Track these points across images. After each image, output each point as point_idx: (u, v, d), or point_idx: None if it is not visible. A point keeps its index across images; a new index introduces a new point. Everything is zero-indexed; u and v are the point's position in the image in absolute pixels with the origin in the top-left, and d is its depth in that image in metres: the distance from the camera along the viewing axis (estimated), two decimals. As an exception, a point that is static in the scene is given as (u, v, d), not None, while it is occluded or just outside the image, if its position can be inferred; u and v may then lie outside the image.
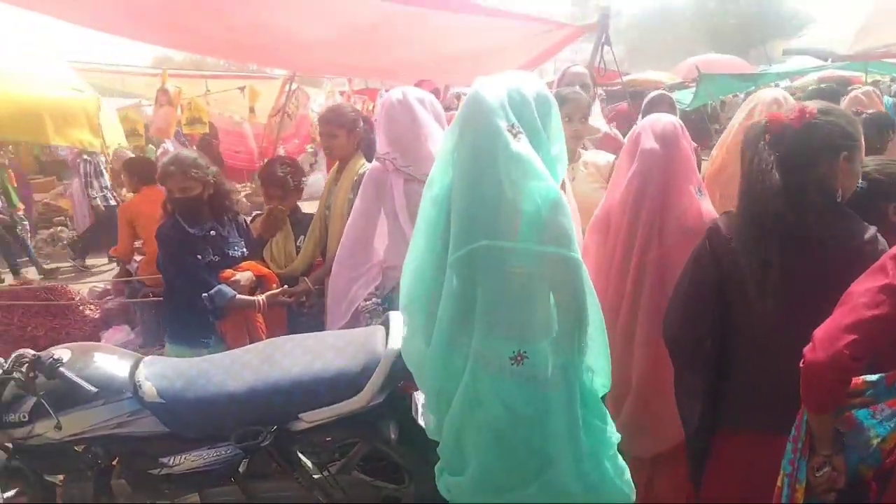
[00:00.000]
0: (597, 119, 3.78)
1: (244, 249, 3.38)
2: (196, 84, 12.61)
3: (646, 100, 4.05)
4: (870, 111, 4.63)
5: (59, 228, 10.41)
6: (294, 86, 12.08)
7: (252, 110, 11.91)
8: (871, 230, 1.87)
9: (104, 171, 8.70)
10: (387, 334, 2.59)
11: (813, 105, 1.99)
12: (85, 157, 8.52)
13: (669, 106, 3.98)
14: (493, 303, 1.92)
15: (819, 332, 1.67)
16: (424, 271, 2.04)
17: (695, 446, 2.13)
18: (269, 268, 3.46)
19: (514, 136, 1.88)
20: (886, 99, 13.14)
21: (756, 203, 1.87)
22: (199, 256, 3.19)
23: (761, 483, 1.90)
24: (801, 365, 1.68)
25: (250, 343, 3.22)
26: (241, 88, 12.13)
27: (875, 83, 13.92)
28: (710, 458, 2.09)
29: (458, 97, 8.53)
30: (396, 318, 2.61)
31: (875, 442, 1.71)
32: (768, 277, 1.83)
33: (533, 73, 5.96)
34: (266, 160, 3.98)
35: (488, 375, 1.94)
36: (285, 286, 3.36)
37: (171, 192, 3.20)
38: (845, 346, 1.61)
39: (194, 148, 9.30)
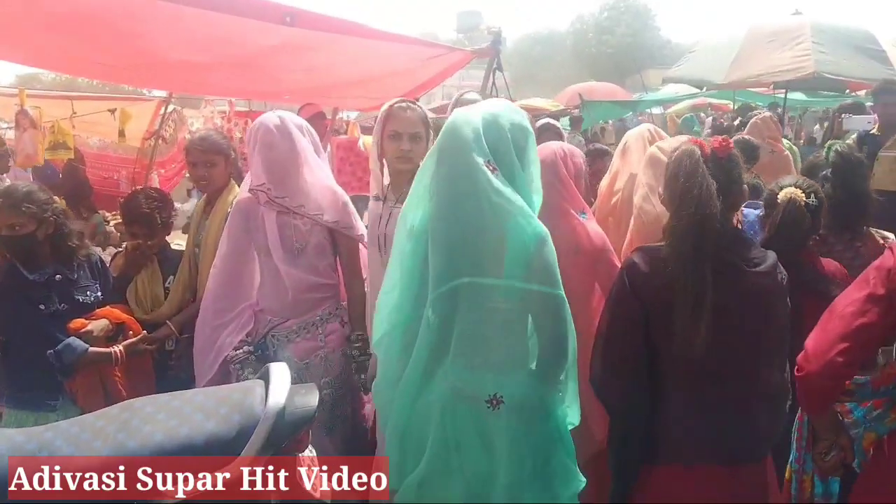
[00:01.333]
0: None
1: (98, 293, 2.94)
2: (61, 106, 11.72)
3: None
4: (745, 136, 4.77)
5: None
6: (171, 108, 11.52)
7: (122, 133, 11.14)
8: (773, 255, 1.94)
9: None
10: (266, 389, 2.28)
11: (722, 136, 2.04)
12: None
13: (555, 134, 4.05)
14: (472, 337, 1.91)
15: (811, 344, 1.79)
16: (402, 304, 2.00)
17: (622, 481, 2.07)
18: (131, 313, 3.05)
19: (492, 171, 1.86)
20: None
21: (695, 232, 1.82)
22: (42, 306, 2.74)
23: None
24: (796, 373, 1.82)
25: (108, 404, 2.82)
26: (112, 111, 11.37)
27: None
28: (636, 492, 2.03)
29: (348, 122, 8.31)
30: (278, 371, 2.32)
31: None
32: (703, 306, 1.80)
33: (419, 99, 5.85)
34: (130, 192, 3.53)
35: (466, 415, 1.94)
36: (144, 332, 2.94)
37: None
38: (837, 355, 1.73)
39: (59, 175, 8.46)
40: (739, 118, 9.57)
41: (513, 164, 1.92)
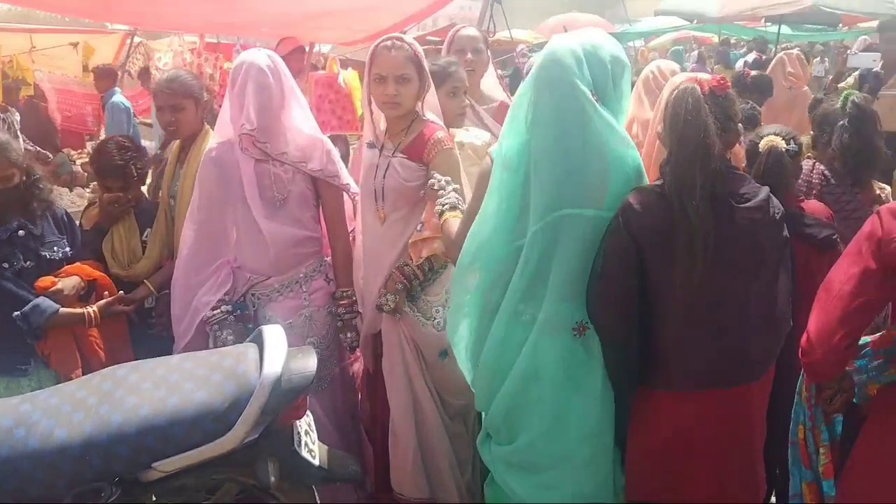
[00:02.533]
0: (492, 86, 3.40)
1: (66, 249, 2.71)
2: (19, 39, 11.09)
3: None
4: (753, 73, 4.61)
5: None
6: (137, 40, 10.95)
7: (86, 68, 10.61)
8: (765, 189, 1.98)
9: None
10: (260, 354, 2.12)
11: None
12: None
13: None
14: (569, 270, 1.95)
15: (813, 329, 1.81)
16: (495, 238, 2.01)
17: (619, 406, 2.12)
18: (102, 269, 2.81)
19: (596, 101, 1.89)
20: (734, 53, 13.89)
21: (695, 170, 1.87)
22: (6, 264, 2.51)
23: (687, 439, 2.01)
24: (801, 358, 1.86)
25: (84, 366, 2.63)
26: (74, 44, 10.80)
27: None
28: (632, 418, 2.12)
29: (326, 56, 7.90)
30: (272, 334, 2.17)
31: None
32: (701, 241, 1.85)
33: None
34: (97, 142, 3.23)
35: (552, 346, 1.99)
36: (121, 292, 2.73)
37: None
38: (839, 340, 1.77)
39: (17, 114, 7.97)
40: (755, 51, 9.37)
41: (611, 97, 1.95)
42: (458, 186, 2.41)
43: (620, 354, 2.03)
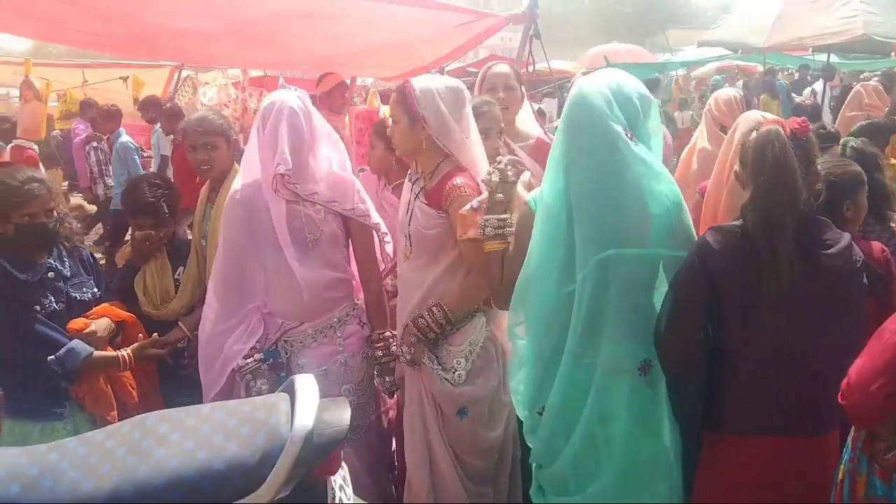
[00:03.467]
0: (528, 122, 3.30)
1: (95, 289, 2.67)
2: (72, 74, 11.47)
3: None
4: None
5: None
6: (185, 73, 11.21)
7: (136, 101, 10.89)
8: (847, 236, 1.93)
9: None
10: (292, 405, 2.04)
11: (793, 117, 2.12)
12: None
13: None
14: (622, 310, 1.94)
15: (854, 372, 1.77)
16: (544, 285, 2.00)
17: (687, 447, 2.08)
18: (129, 309, 2.77)
19: (630, 138, 1.89)
20: (780, 83, 13.64)
21: (779, 210, 1.83)
22: (37, 307, 2.46)
23: (756, 487, 1.94)
24: (840, 400, 1.80)
25: (120, 408, 2.59)
26: (124, 78, 11.12)
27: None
28: (702, 460, 2.07)
29: (368, 90, 7.96)
30: (304, 383, 2.07)
31: None
32: (783, 287, 1.81)
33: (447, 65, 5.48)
34: (130, 180, 3.22)
35: (618, 387, 1.96)
36: (155, 334, 2.69)
37: (17, 222, 2.41)
38: (878, 388, 1.72)
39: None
40: (822, 79, 9.25)
41: (644, 132, 1.95)
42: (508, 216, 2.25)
43: (686, 394, 2.00)
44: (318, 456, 1.96)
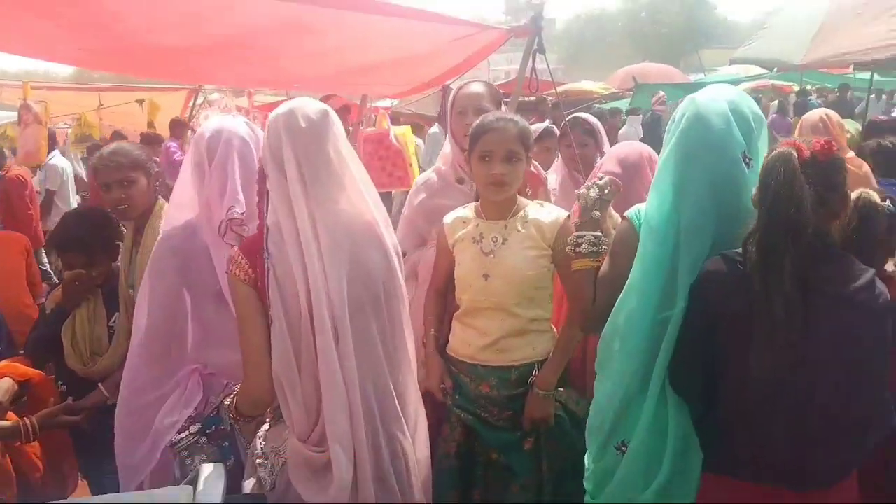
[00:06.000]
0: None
1: None
2: (89, 98, 11.39)
3: None
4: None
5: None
6: (204, 97, 11.04)
7: (151, 125, 10.76)
8: (870, 273, 1.74)
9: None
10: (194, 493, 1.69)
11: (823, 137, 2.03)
12: None
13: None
14: None
15: None
16: (643, 306, 1.89)
17: None
18: (39, 365, 2.41)
19: (748, 164, 1.85)
20: (812, 103, 13.05)
21: (774, 247, 1.68)
22: None
23: None
24: None
25: (19, 484, 2.20)
26: (140, 101, 11.00)
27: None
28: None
29: (377, 112, 7.61)
30: (208, 475, 1.76)
31: None
32: (779, 335, 1.66)
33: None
34: (63, 215, 2.85)
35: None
36: (70, 399, 2.32)
37: None
38: None
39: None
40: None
41: (756, 155, 1.88)
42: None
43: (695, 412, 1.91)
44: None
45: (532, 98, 7.32)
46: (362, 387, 1.84)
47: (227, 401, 2.00)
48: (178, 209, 2.33)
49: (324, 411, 1.80)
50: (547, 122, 4.12)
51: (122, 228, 2.69)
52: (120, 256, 2.64)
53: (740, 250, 1.77)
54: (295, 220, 1.81)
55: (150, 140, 8.38)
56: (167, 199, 2.53)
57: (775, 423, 1.78)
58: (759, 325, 1.68)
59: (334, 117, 1.95)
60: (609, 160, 2.63)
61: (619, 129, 10.97)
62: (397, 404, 1.94)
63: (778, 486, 1.80)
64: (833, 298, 1.71)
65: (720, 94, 1.91)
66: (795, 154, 1.71)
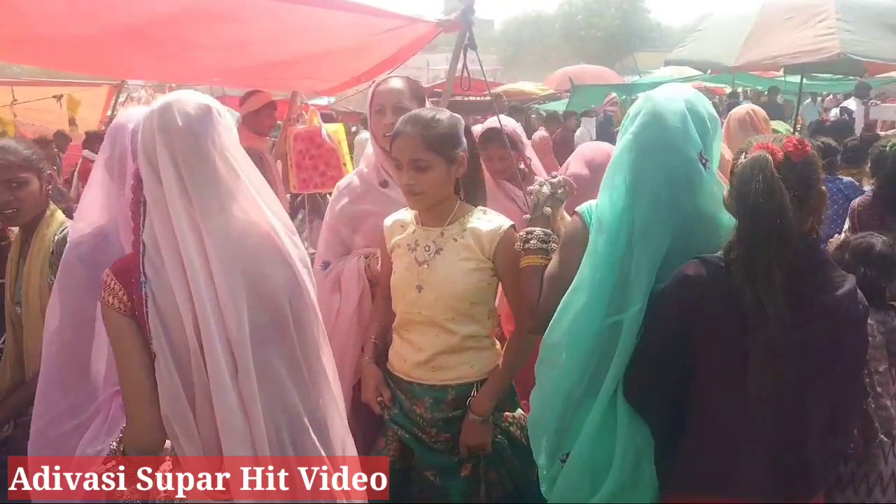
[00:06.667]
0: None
1: None
2: (1, 93, 10.73)
3: None
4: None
5: None
6: (124, 95, 10.53)
7: (73, 122, 10.20)
8: (851, 280, 1.74)
9: None
10: None
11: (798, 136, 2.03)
12: None
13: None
14: None
15: None
16: (591, 309, 1.83)
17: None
18: None
19: (704, 164, 1.83)
20: (742, 103, 13.46)
21: (763, 256, 1.63)
22: None
23: None
24: None
25: None
26: (58, 97, 10.41)
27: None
28: None
29: (308, 109, 7.34)
30: None
31: None
32: (770, 345, 1.63)
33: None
34: None
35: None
36: None
37: None
38: None
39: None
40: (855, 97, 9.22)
41: (711, 156, 1.86)
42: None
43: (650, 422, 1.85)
44: None
45: (485, 98, 7.11)
46: (270, 426, 1.62)
47: (114, 445, 1.78)
48: (85, 213, 2.10)
49: (224, 458, 1.59)
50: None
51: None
52: (6, 270, 2.36)
53: (720, 254, 1.73)
54: (174, 236, 1.57)
55: (96, 138, 7.74)
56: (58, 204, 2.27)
57: (765, 436, 1.74)
58: (756, 343, 1.64)
59: (221, 113, 1.71)
60: (575, 162, 2.62)
61: (575, 130, 11.00)
62: (314, 438, 1.73)
63: (755, 499, 1.75)
64: (821, 309, 1.70)
65: (677, 94, 1.88)
66: (771, 158, 1.65)
